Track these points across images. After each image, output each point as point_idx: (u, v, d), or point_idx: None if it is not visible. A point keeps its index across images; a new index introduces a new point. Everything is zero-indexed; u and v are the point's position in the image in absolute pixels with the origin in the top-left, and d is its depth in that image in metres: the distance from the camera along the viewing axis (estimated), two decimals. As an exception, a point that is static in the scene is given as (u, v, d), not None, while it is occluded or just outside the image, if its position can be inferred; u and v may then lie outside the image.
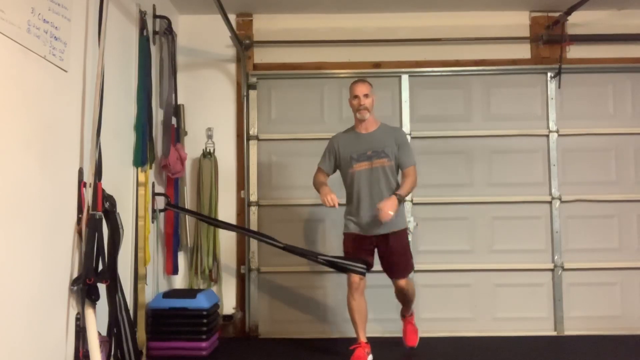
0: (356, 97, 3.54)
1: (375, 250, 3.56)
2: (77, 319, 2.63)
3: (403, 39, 4.49)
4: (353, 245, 3.54)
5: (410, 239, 3.74)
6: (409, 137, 4.42)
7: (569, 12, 4.19)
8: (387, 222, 3.39)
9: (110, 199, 2.81)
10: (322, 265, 3.72)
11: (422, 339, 4.08)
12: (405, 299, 3.68)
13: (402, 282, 3.56)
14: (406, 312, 3.80)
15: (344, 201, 3.67)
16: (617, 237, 4.39)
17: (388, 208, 3.32)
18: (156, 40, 3.90)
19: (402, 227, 3.55)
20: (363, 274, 3.45)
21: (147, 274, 3.56)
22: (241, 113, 4.47)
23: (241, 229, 4.23)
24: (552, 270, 4.35)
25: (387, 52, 4.50)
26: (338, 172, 3.70)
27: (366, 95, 3.53)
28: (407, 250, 3.58)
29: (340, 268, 3.60)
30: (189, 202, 4.35)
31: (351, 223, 3.57)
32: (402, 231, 3.55)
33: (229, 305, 4.35)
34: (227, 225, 3.97)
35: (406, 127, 4.43)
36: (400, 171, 3.57)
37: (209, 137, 4.45)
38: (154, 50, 3.80)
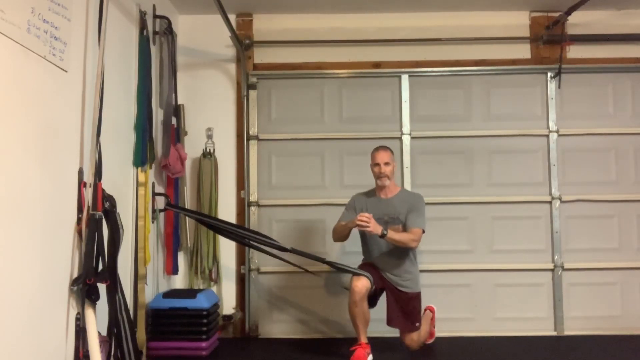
0: (377, 164, 3.62)
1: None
2: (77, 319, 2.63)
3: (403, 39, 4.49)
4: (367, 268, 3.59)
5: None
6: (408, 137, 4.43)
7: (569, 12, 4.19)
8: (402, 284, 3.59)
9: (110, 199, 2.81)
10: (327, 265, 3.73)
11: (422, 339, 4.10)
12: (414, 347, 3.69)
13: (406, 340, 3.64)
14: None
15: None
16: (617, 237, 4.39)
17: (372, 222, 3.38)
18: (156, 40, 3.90)
19: (416, 290, 3.64)
20: (368, 278, 3.46)
21: (147, 274, 3.56)
22: (241, 113, 4.47)
23: (242, 229, 4.14)
24: (552, 270, 4.35)
25: (387, 52, 4.50)
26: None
27: (387, 164, 3.59)
28: (415, 313, 3.62)
29: (345, 272, 3.65)
30: (189, 202, 4.35)
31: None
32: (415, 295, 3.63)
33: (229, 305, 4.35)
34: (226, 227, 3.86)
35: (406, 127, 4.43)
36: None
37: (209, 137, 4.44)
38: (154, 50, 3.80)
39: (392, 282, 3.61)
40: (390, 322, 3.64)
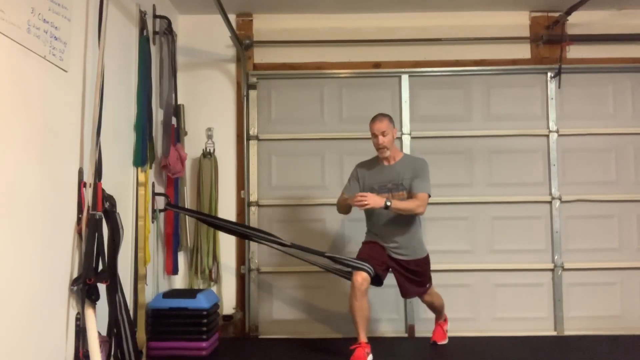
0: (375, 135, 3.60)
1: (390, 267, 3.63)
2: (77, 319, 2.64)
3: (403, 39, 4.49)
4: (369, 252, 3.57)
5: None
6: (408, 137, 4.43)
7: (569, 12, 4.19)
8: (409, 251, 3.59)
9: (110, 199, 2.81)
10: (327, 261, 3.68)
11: (422, 339, 4.10)
12: (433, 307, 3.86)
13: (425, 297, 3.74)
14: (438, 318, 3.97)
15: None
16: (617, 237, 4.39)
17: (371, 200, 3.38)
18: (156, 40, 3.90)
19: (422, 255, 3.66)
20: (368, 272, 3.44)
21: (147, 274, 3.56)
22: (241, 113, 4.47)
23: (242, 227, 4.14)
24: (552, 270, 4.35)
25: (387, 52, 4.50)
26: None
27: (384, 133, 3.56)
28: (426, 276, 3.67)
29: (345, 265, 3.60)
30: (189, 202, 4.35)
31: (372, 235, 3.68)
32: (422, 259, 3.64)
33: (229, 305, 4.35)
34: (227, 225, 3.87)
35: (406, 127, 4.43)
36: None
37: (209, 137, 4.44)
38: (154, 50, 3.80)
39: (399, 254, 3.58)
40: (405, 295, 3.74)
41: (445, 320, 3.98)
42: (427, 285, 3.68)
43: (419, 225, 3.66)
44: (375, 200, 3.39)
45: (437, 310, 3.90)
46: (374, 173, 3.66)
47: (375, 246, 3.61)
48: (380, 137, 3.56)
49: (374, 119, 3.64)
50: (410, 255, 3.60)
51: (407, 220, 3.57)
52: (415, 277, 3.61)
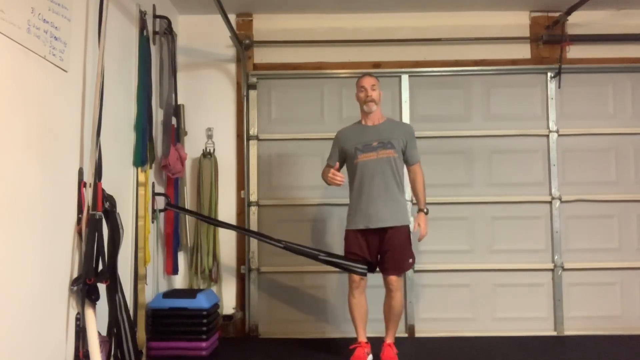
0: (363, 89, 3.53)
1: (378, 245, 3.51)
2: (77, 319, 2.64)
3: (403, 39, 4.49)
4: (355, 243, 3.48)
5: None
6: (409, 137, 4.44)
7: (569, 12, 4.19)
8: (390, 215, 3.42)
9: (110, 199, 2.81)
10: (322, 264, 3.70)
11: (422, 339, 4.10)
12: (391, 305, 3.49)
13: (392, 278, 3.43)
14: (388, 335, 3.56)
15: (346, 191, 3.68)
16: (617, 237, 4.39)
17: (424, 230, 3.53)
18: (156, 40, 3.90)
19: (404, 222, 3.49)
20: (364, 274, 3.44)
21: (147, 274, 3.56)
22: (241, 113, 4.47)
23: (241, 229, 4.24)
24: (552, 270, 4.35)
25: (387, 52, 4.50)
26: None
27: (373, 87, 3.52)
28: (405, 247, 3.47)
29: (340, 267, 3.59)
30: (189, 202, 4.35)
31: (354, 218, 3.50)
32: (403, 227, 3.48)
33: (229, 305, 4.35)
34: (226, 225, 3.96)
35: (406, 127, 4.43)
36: (405, 166, 3.58)
37: (209, 137, 4.45)
38: (154, 50, 3.80)
39: (384, 222, 3.41)
40: (388, 271, 3.43)
41: (392, 343, 3.56)
42: (410, 260, 3.49)
43: (402, 190, 3.54)
44: (425, 224, 3.55)
45: (394, 316, 3.52)
46: (357, 134, 3.56)
47: (360, 235, 3.46)
48: (369, 90, 3.51)
49: (362, 76, 3.62)
50: (394, 221, 3.43)
51: (393, 183, 3.47)
52: (396, 246, 3.41)
